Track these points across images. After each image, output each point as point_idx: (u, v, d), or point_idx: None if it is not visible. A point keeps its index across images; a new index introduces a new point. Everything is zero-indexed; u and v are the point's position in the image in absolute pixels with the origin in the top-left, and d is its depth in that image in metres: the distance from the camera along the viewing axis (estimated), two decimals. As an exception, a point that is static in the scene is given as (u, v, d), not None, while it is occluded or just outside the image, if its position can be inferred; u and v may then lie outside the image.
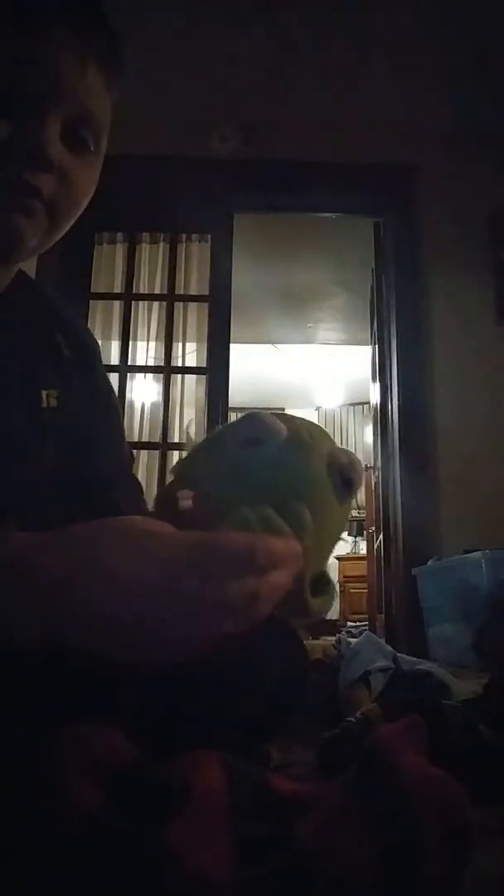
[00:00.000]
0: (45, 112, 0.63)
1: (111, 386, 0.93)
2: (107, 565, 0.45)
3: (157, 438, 3.08)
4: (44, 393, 0.75)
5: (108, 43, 0.67)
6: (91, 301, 3.08)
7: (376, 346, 3.24)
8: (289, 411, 8.09)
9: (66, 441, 0.77)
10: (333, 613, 5.25)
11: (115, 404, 0.91)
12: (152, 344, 3.25)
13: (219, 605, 0.45)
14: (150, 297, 3.24)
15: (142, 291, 3.19)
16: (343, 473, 0.61)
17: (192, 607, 0.44)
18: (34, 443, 0.74)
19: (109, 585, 0.44)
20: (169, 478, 0.66)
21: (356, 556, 6.22)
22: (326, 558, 0.65)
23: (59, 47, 0.62)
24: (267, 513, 0.53)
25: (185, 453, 0.66)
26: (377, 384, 3.21)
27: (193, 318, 3.19)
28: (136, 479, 0.95)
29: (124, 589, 0.44)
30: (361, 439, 6.92)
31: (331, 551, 0.65)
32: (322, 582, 0.64)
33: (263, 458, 0.59)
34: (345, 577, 5.98)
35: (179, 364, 3.16)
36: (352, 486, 0.62)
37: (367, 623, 4.34)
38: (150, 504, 0.81)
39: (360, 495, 6.35)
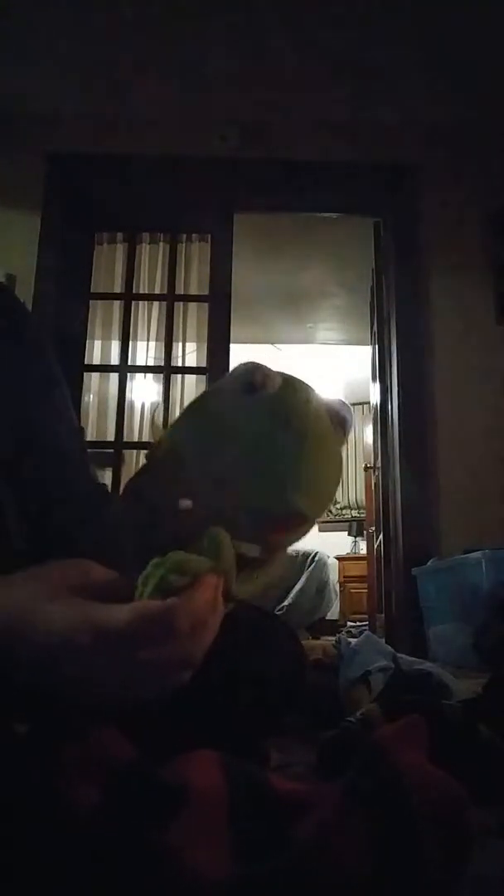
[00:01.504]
0: None
1: (48, 352, 0.90)
2: (39, 624, 0.47)
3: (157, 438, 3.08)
4: None
5: None
6: (91, 301, 3.08)
7: (376, 346, 3.24)
8: (289, 411, 8.10)
9: (3, 399, 0.78)
10: (333, 613, 5.25)
11: (58, 377, 0.88)
12: (152, 344, 3.25)
13: (150, 670, 0.47)
14: (150, 297, 3.24)
15: (142, 291, 3.19)
16: (339, 414, 0.62)
17: (125, 671, 0.47)
18: None
19: (45, 642, 0.46)
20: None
21: (356, 556, 6.22)
22: (331, 500, 0.64)
23: None
24: (178, 560, 0.51)
25: (152, 441, 0.65)
26: (377, 384, 3.21)
27: (193, 318, 3.19)
28: (83, 446, 0.93)
29: (58, 650, 0.46)
30: (361, 439, 6.92)
31: (334, 492, 0.65)
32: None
33: (265, 401, 0.59)
34: (345, 577, 5.97)
35: (179, 364, 3.16)
36: (347, 426, 0.62)
37: (367, 623, 4.35)
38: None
39: (360, 495, 6.36)
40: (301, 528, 0.60)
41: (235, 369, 0.61)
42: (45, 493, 0.78)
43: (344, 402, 0.63)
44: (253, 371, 0.59)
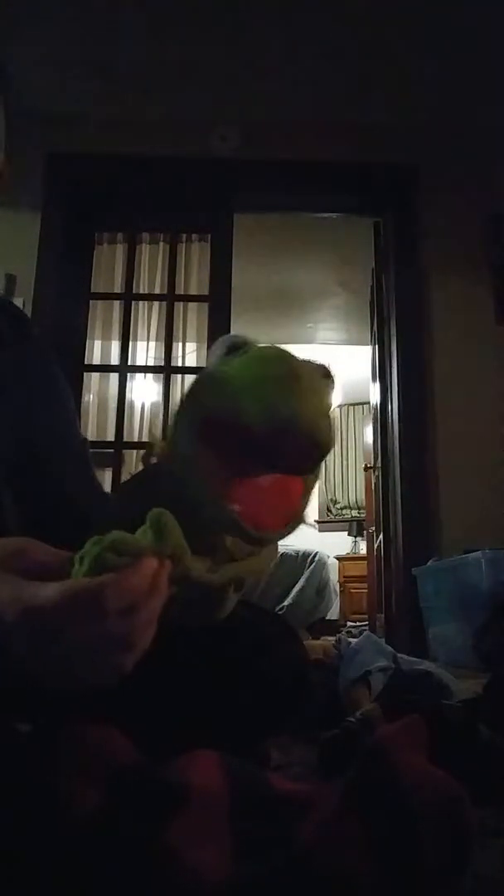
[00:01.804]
0: None
1: (54, 366, 0.92)
2: None
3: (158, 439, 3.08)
4: None
5: None
6: (91, 301, 3.08)
7: (376, 346, 3.24)
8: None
9: (9, 407, 0.80)
10: (333, 613, 5.25)
11: (61, 382, 0.91)
12: (152, 344, 3.25)
13: (81, 651, 0.45)
14: (150, 297, 3.24)
15: (142, 291, 3.19)
16: (323, 367, 0.65)
17: (56, 652, 0.45)
18: None
19: None
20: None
21: (356, 556, 6.22)
22: (331, 429, 0.67)
23: None
24: (116, 538, 0.51)
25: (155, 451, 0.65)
26: (377, 384, 3.21)
27: (193, 318, 3.19)
28: (87, 452, 0.94)
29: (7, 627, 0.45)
30: (361, 439, 6.92)
31: (330, 426, 0.67)
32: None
33: (261, 356, 0.62)
34: (345, 577, 5.97)
35: (179, 364, 3.16)
36: (331, 378, 0.65)
37: (367, 623, 4.35)
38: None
39: (360, 495, 6.36)
40: (318, 457, 0.63)
41: (218, 341, 0.65)
42: (46, 498, 0.79)
43: (321, 363, 0.67)
44: (230, 336, 0.64)
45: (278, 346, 0.65)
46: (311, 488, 0.70)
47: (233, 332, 3.00)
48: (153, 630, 0.48)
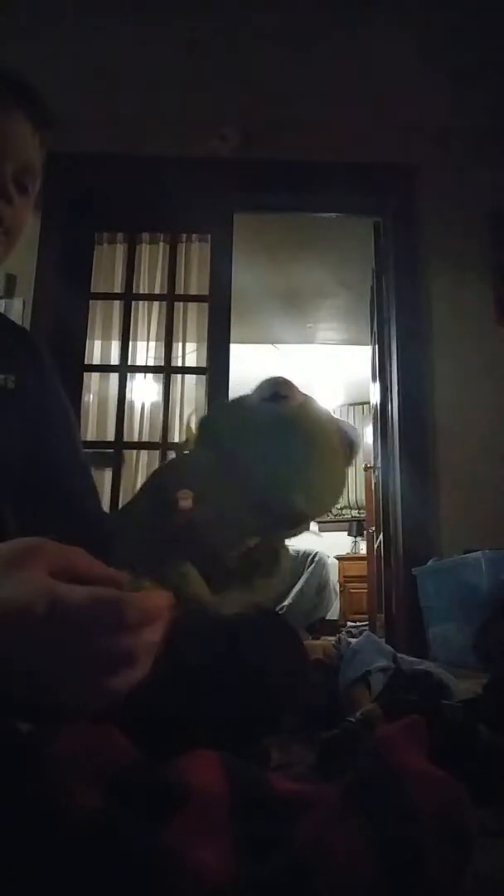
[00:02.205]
0: (3, 160, 0.86)
1: (61, 389, 0.99)
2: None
3: (157, 438, 3.08)
4: (2, 376, 0.87)
5: (43, 111, 0.95)
6: (91, 301, 3.08)
7: (376, 346, 3.24)
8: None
9: (22, 423, 0.86)
10: (333, 613, 5.25)
11: (67, 405, 0.99)
12: (152, 344, 3.25)
13: (94, 658, 0.45)
14: (150, 297, 3.24)
15: (142, 291, 3.19)
16: (348, 436, 0.69)
17: (72, 655, 0.45)
18: None
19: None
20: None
21: (356, 556, 6.22)
22: (330, 506, 0.70)
23: (8, 115, 0.88)
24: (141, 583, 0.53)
25: (184, 450, 0.69)
26: (377, 384, 3.21)
27: (193, 318, 3.19)
28: (90, 475, 1.00)
29: (12, 614, 0.45)
30: (361, 439, 6.91)
31: (334, 502, 0.71)
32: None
33: (288, 411, 0.65)
34: (345, 577, 5.97)
35: (179, 364, 3.16)
36: (355, 448, 0.69)
37: (367, 623, 4.35)
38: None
39: (360, 495, 6.36)
40: (299, 527, 0.66)
41: (266, 380, 0.68)
42: (50, 520, 0.83)
43: (353, 428, 0.70)
44: (280, 382, 0.66)
45: (315, 406, 0.67)
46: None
47: (233, 331, 3.00)
48: (151, 658, 0.49)
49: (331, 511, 7.18)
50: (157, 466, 3.05)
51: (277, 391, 0.65)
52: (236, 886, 0.43)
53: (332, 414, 0.70)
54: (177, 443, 3.02)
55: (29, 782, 0.47)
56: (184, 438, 0.68)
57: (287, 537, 0.70)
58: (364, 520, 5.25)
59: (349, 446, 0.68)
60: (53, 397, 0.96)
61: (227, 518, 0.61)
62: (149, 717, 0.67)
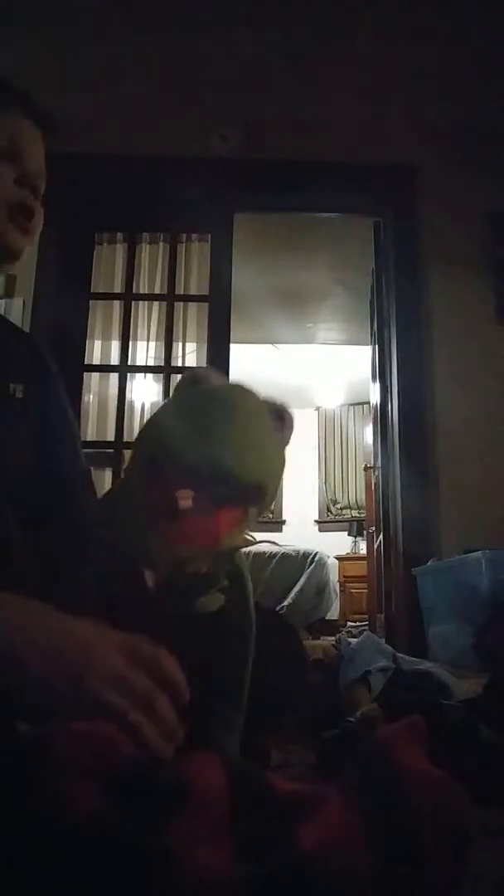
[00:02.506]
0: (28, 161, 0.95)
1: (64, 395, 1.02)
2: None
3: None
4: (10, 386, 0.89)
5: (50, 120, 1.04)
6: (91, 301, 3.08)
7: (376, 346, 3.24)
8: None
9: (28, 431, 0.89)
10: (333, 613, 5.25)
11: (70, 414, 1.01)
12: (152, 344, 3.25)
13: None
14: (150, 297, 3.24)
15: (142, 291, 3.19)
16: (277, 410, 0.73)
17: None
18: (3, 427, 0.86)
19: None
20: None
21: (356, 556, 6.22)
22: (273, 494, 0.74)
23: (23, 122, 0.96)
24: None
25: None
26: (377, 384, 3.21)
27: (193, 318, 3.19)
28: (91, 482, 1.05)
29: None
30: (361, 439, 6.92)
31: (277, 487, 0.75)
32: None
33: (202, 391, 0.71)
34: (345, 577, 5.97)
35: (179, 364, 3.16)
36: (285, 422, 0.73)
37: (367, 623, 4.35)
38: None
39: (360, 495, 6.37)
40: (249, 497, 0.69)
41: (182, 377, 0.75)
42: (50, 525, 0.85)
43: (282, 404, 0.75)
44: (197, 370, 0.73)
45: (238, 384, 0.73)
46: (252, 517, 0.75)
47: (233, 331, 3.00)
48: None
49: (331, 508, 7.19)
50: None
51: (195, 377, 0.72)
52: (236, 887, 0.43)
53: (258, 394, 0.74)
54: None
55: (29, 782, 0.47)
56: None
57: (248, 507, 0.72)
58: (364, 520, 5.25)
59: (277, 414, 0.72)
60: (57, 405, 0.98)
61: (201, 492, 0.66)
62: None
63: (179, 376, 3.09)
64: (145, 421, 0.76)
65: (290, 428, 0.72)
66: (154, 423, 0.73)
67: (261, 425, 0.70)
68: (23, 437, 0.88)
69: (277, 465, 0.72)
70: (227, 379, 0.74)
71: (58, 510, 0.89)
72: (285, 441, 0.73)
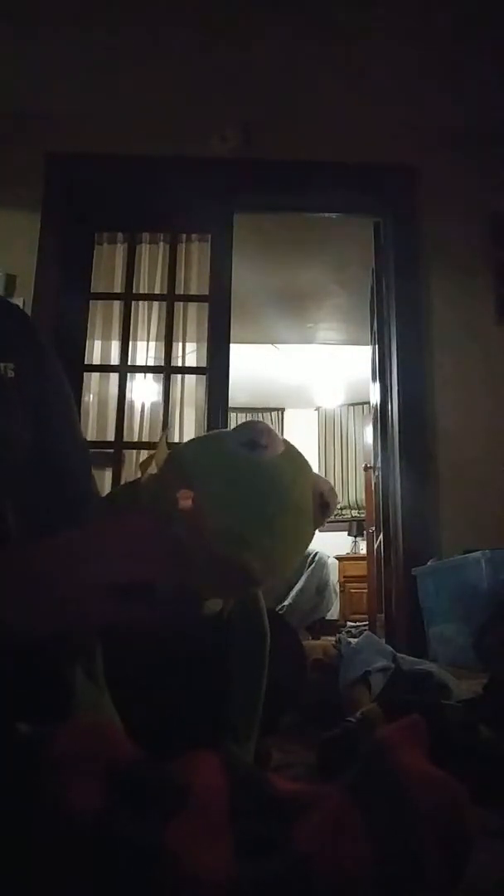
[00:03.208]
0: None
1: (61, 373, 0.97)
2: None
3: (157, 438, 3.08)
4: (2, 364, 0.85)
5: None
6: (91, 301, 3.08)
7: (376, 346, 3.24)
8: (289, 411, 8.02)
9: (22, 411, 0.85)
10: (333, 613, 5.25)
11: (67, 391, 0.97)
12: (152, 344, 3.25)
13: None
14: (150, 297, 3.24)
15: (142, 291, 3.19)
16: (323, 497, 0.64)
17: None
18: None
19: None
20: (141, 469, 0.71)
21: (356, 556, 6.22)
22: (289, 570, 0.66)
23: None
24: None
25: (160, 453, 0.66)
26: (377, 384, 3.21)
27: (193, 318, 3.19)
28: (89, 461, 1.01)
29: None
30: (361, 439, 6.91)
31: (294, 566, 0.67)
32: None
33: (262, 462, 0.60)
34: (345, 577, 5.97)
35: (179, 364, 3.16)
36: (328, 511, 0.65)
37: (367, 623, 4.35)
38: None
39: (360, 495, 6.36)
40: (248, 588, 0.64)
41: (245, 424, 0.63)
42: (47, 505, 0.83)
43: (332, 488, 0.65)
44: (260, 430, 0.61)
45: (296, 456, 0.63)
46: None
47: (233, 331, 3.00)
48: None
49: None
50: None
51: (256, 439, 0.61)
52: (236, 887, 0.43)
53: (312, 469, 0.66)
54: (177, 443, 3.02)
55: (29, 782, 0.47)
56: (159, 442, 0.65)
57: (229, 597, 0.67)
58: (364, 520, 5.25)
59: (323, 508, 0.64)
60: (52, 383, 0.94)
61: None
62: (148, 718, 0.67)
63: (180, 376, 3.12)
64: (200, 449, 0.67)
65: (331, 513, 0.66)
66: (208, 471, 0.62)
67: (306, 530, 0.64)
68: (16, 418, 0.86)
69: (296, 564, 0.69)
70: (284, 447, 0.64)
71: (56, 493, 0.87)
72: (319, 524, 0.66)
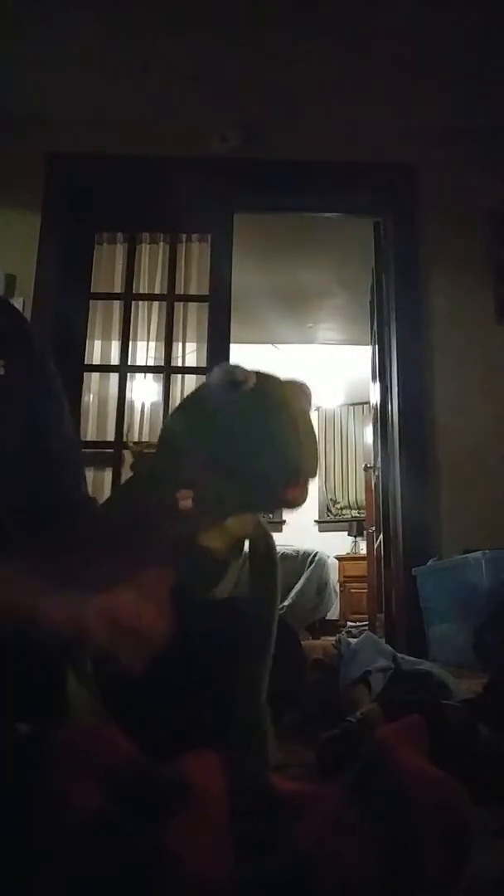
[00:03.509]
0: None
1: (52, 371, 0.97)
2: None
3: (157, 438, 3.08)
4: None
5: None
6: (91, 301, 3.08)
7: (376, 346, 3.24)
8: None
9: (12, 408, 0.86)
10: (333, 613, 5.24)
11: (58, 389, 0.97)
12: (152, 344, 3.25)
13: None
14: (150, 297, 3.24)
15: (142, 291, 3.19)
16: (302, 390, 0.74)
17: None
18: None
19: None
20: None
21: (356, 556, 6.22)
22: (317, 457, 0.77)
23: None
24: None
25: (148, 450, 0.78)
26: (377, 384, 3.21)
27: (193, 318, 3.19)
28: (80, 461, 1.02)
29: None
30: (361, 439, 6.91)
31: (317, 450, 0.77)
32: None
33: (250, 396, 0.71)
34: (345, 577, 5.97)
35: (179, 364, 3.16)
36: (308, 399, 0.75)
37: (367, 623, 4.35)
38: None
39: (360, 495, 6.36)
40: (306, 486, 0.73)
41: (215, 371, 0.73)
42: (37, 501, 0.84)
43: (301, 382, 0.75)
44: (233, 370, 0.71)
45: (268, 374, 0.73)
46: None
47: (233, 331, 3.00)
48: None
49: (331, 508, 7.19)
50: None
51: (233, 379, 0.70)
52: (236, 887, 0.43)
53: (278, 377, 0.75)
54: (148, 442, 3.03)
55: (30, 782, 0.47)
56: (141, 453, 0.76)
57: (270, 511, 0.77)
58: (364, 520, 5.25)
59: (306, 396, 0.75)
60: (44, 384, 0.95)
61: (213, 500, 0.68)
62: (147, 718, 0.67)
63: (180, 376, 3.12)
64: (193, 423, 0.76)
65: (311, 402, 0.76)
66: (206, 424, 0.72)
67: (308, 423, 0.74)
68: (6, 415, 0.86)
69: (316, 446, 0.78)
70: (257, 375, 0.73)
71: (46, 491, 0.87)
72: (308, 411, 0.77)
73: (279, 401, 0.71)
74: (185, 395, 3.29)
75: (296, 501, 0.72)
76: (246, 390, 0.70)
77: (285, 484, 0.70)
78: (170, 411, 3.06)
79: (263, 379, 0.72)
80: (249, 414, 0.70)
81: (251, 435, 0.69)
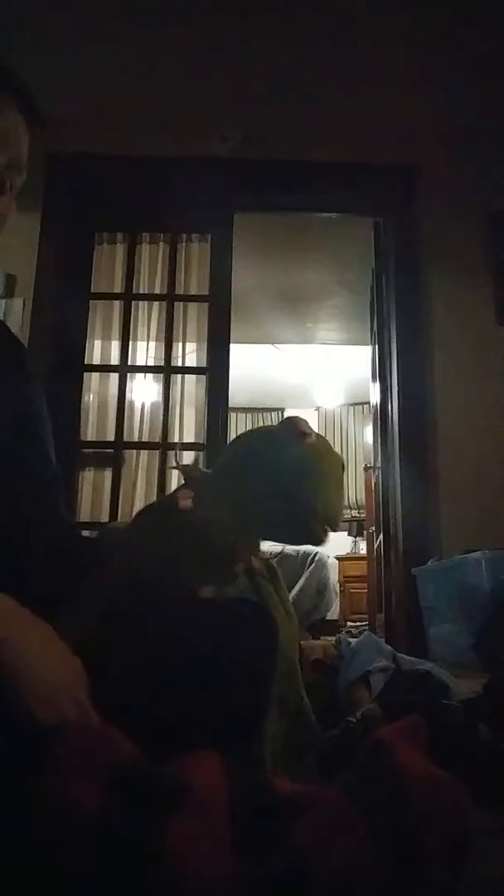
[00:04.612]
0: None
1: (40, 401, 0.98)
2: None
3: (157, 438, 3.08)
4: None
5: (36, 108, 0.97)
6: (91, 301, 3.08)
7: (376, 346, 3.24)
8: (289, 411, 8.04)
9: None
10: (333, 613, 5.24)
11: (44, 414, 0.98)
12: (152, 344, 3.24)
13: None
14: (150, 297, 3.24)
15: (142, 291, 3.19)
16: (340, 457, 0.92)
17: None
18: None
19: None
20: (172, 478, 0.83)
21: (356, 556, 6.22)
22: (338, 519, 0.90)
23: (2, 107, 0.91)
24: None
25: (181, 477, 0.89)
26: (377, 384, 3.21)
27: (193, 318, 3.19)
28: (60, 481, 1.02)
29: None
30: (361, 439, 6.91)
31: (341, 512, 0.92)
32: None
33: (310, 448, 0.83)
34: (345, 577, 5.97)
35: (179, 364, 3.16)
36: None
37: (367, 623, 4.35)
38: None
39: (360, 495, 6.36)
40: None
41: (288, 419, 0.87)
42: (16, 526, 0.85)
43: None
44: (301, 421, 0.86)
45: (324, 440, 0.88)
46: None
47: (233, 331, 3.00)
48: None
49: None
50: (157, 466, 3.05)
51: (302, 430, 0.84)
52: (236, 887, 0.43)
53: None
54: (175, 443, 3.03)
55: (30, 782, 0.47)
56: (181, 464, 0.90)
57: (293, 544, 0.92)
58: (364, 520, 5.25)
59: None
60: (28, 406, 0.94)
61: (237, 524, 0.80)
62: (145, 718, 0.67)
63: (180, 376, 3.11)
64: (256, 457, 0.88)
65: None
66: (275, 468, 0.83)
67: (341, 485, 0.89)
68: None
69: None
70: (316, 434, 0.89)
71: (25, 513, 0.87)
72: None
73: (333, 457, 0.87)
74: (185, 395, 3.27)
75: (321, 542, 0.85)
76: (311, 443, 0.84)
77: (324, 524, 0.83)
78: (170, 412, 3.07)
79: (322, 440, 0.88)
80: (311, 463, 0.83)
81: (308, 479, 0.82)
